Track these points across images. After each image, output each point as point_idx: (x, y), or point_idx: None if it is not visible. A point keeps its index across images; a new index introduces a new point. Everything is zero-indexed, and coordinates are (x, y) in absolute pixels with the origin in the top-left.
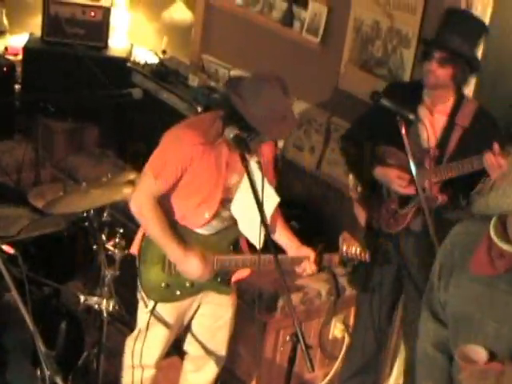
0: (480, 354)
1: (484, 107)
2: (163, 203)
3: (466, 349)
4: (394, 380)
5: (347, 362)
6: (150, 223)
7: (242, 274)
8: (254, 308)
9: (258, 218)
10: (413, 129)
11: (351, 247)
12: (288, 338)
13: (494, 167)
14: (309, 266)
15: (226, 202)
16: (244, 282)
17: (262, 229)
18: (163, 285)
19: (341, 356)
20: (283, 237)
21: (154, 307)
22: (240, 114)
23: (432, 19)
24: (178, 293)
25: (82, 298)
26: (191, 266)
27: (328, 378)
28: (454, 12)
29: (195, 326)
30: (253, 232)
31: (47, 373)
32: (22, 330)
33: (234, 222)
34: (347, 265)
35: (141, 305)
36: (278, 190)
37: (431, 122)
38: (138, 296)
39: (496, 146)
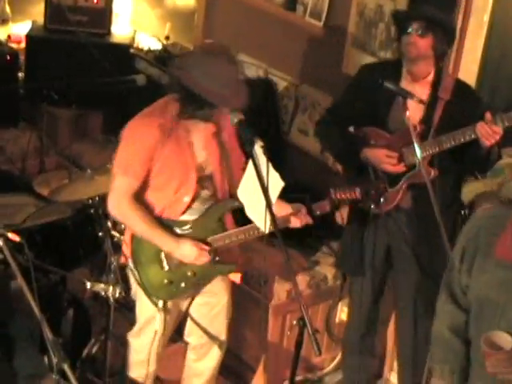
0: (506, 340)
1: (460, 79)
2: (141, 201)
3: (492, 335)
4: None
5: (343, 342)
6: (133, 221)
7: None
8: (260, 293)
9: (263, 203)
10: (395, 105)
11: (339, 189)
12: (295, 322)
13: (488, 135)
14: (304, 218)
15: (201, 180)
16: (250, 266)
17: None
18: (166, 282)
19: None
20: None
21: (164, 305)
22: (194, 92)
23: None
24: (183, 285)
25: (89, 285)
26: (186, 249)
27: (335, 361)
28: None
29: (193, 316)
30: (259, 216)
31: (54, 360)
32: (29, 317)
33: (214, 201)
34: (339, 208)
35: (139, 303)
36: (282, 175)
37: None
38: (133, 294)
39: (488, 115)
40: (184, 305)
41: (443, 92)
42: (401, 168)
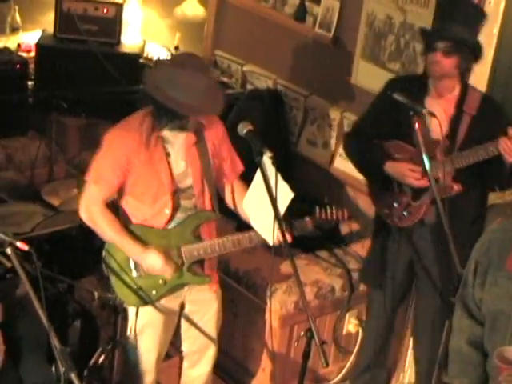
0: None
1: (488, 94)
2: (123, 210)
3: (504, 350)
4: (407, 377)
5: (359, 357)
6: (101, 227)
7: (213, 264)
8: (267, 303)
9: (271, 214)
10: (422, 121)
11: (324, 208)
12: (302, 333)
13: (510, 151)
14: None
15: (180, 192)
16: (257, 277)
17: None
18: (135, 288)
19: (355, 351)
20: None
21: (136, 312)
22: (166, 106)
23: None
24: (154, 292)
25: (97, 294)
26: (152, 259)
27: (342, 372)
28: (450, 0)
29: (183, 324)
30: (266, 228)
31: (62, 369)
32: (37, 326)
33: (194, 211)
34: (323, 227)
35: (129, 312)
36: (291, 185)
37: (439, 113)
38: (125, 306)
39: (510, 130)
40: (175, 314)
41: (468, 107)
42: (424, 182)
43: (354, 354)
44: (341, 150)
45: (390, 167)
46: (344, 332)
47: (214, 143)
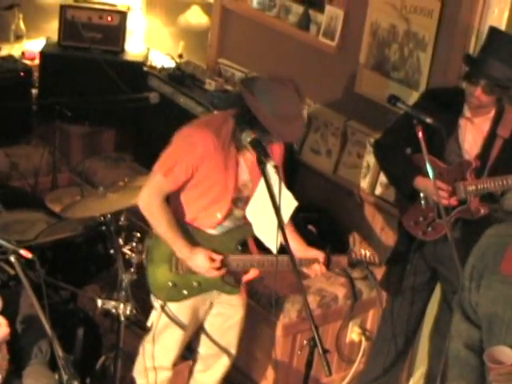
0: (508, 355)
1: None
2: (174, 205)
3: (494, 350)
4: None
5: (369, 367)
6: (157, 220)
7: (251, 275)
8: (271, 312)
9: (275, 222)
10: (454, 139)
11: (361, 249)
12: (305, 342)
13: None
14: (318, 268)
15: (237, 201)
16: (261, 285)
17: (279, 233)
18: (170, 284)
19: (358, 360)
20: (291, 239)
21: (163, 306)
22: (252, 113)
23: (448, 23)
24: (185, 292)
25: (100, 302)
26: (198, 261)
27: (345, 381)
28: (497, 34)
29: (206, 326)
30: (269, 236)
31: (65, 377)
32: (40, 333)
33: (244, 222)
34: (355, 267)
35: (154, 307)
36: (295, 194)
37: (472, 133)
38: (152, 299)
39: None
40: (201, 315)
41: (502, 129)
42: (453, 201)
43: (356, 363)
44: (344, 159)
45: (420, 182)
46: (347, 341)
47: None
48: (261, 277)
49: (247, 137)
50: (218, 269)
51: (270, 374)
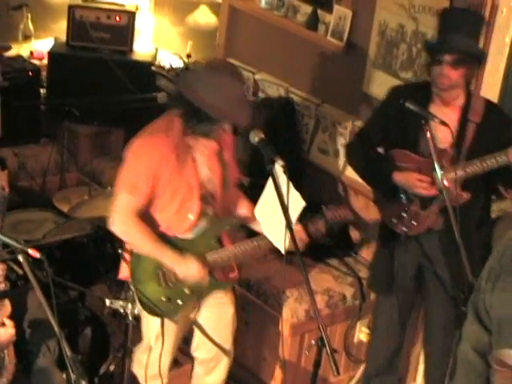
0: None
1: (492, 101)
2: (146, 219)
3: (500, 353)
4: None
5: (367, 364)
6: (139, 240)
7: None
8: (279, 311)
9: (283, 222)
10: (426, 128)
11: (331, 208)
12: (313, 341)
13: None
14: (298, 238)
15: (205, 197)
16: (268, 285)
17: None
18: (164, 299)
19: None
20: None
21: (162, 322)
22: (197, 108)
23: None
24: (181, 302)
25: (108, 302)
26: (192, 268)
27: (353, 381)
28: (452, 11)
29: (200, 330)
30: (277, 236)
31: (73, 376)
32: (48, 333)
33: (217, 217)
34: (334, 227)
35: (144, 320)
36: (303, 194)
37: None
38: (139, 311)
39: None
40: (191, 315)
41: (473, 115)
42: (433, 191)
43: (364, 363)
44: None
45: (398, 177)
46: (355, 341)
47: (229, 151)
48: (268, 277)
49: (255, 136)
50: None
51: (278, 373)
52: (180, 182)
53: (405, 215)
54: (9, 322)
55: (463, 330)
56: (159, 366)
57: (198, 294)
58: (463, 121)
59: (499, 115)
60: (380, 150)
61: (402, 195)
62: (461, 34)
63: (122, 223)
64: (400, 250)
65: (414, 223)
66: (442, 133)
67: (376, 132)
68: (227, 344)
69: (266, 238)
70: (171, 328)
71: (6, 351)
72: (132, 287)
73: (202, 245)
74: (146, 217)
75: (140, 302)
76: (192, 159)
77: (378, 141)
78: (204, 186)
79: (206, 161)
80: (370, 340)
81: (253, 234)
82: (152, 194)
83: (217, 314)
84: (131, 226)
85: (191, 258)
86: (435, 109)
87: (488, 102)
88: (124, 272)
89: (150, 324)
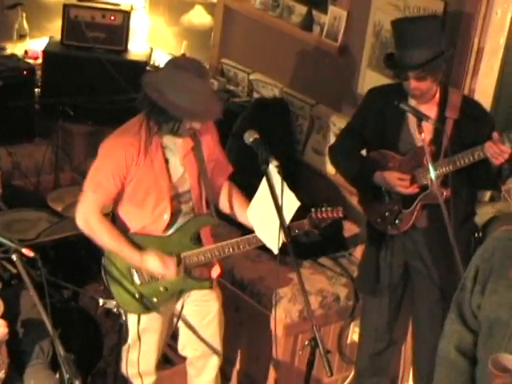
0: None
1: (468, 96)
2: (120, 220)
3: (500, 357)
4: None
5: (356, 365)
6: (100, 235)
7: (216, 271)
8: (272, 312)
9: (276, 222)
10: (405, 127)
11: (320, 208)
12: (307, 342)
13: (497, 155)
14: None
15: (178, 197)
16: (262, 285)
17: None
18: (137, 296)
19: None
20: (239, 205)
21: (138, 320)
22: (161, 107)
23: (452, 23)
24: (155, 300)
25: (101, 302)
26: (152, 262)
27: (346, 382)
28: (399, 24)
29: (184, 328)
30: (270, 236)
31: (66, 376)
32: (41, 332)
33: (194, 215)
34: (320, 226)
35: (129, 317)
36: (297, 194)
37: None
38: (122, 313)
39: (495, 134)
40: (175, 317)
41: (450, 111)
42: (414, 189)
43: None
44: None
45: (379, 177)
46: (348, 341)
47: (209, 147)
48: (262, 277)
49: (249, 137)
50: (175, 268)
51: (271, 374)
52: (150, 183)
53: (388, 214)
54: (1, 322)
55: (445, 327)
56: (138, 364)
57: (174, 291)
58: (440, 117)
59: (476, 110)
60: (363, 152)
61: (384, 195)
62: (417, 47)
63: (83, 219)
64: (386, 249)
65: (398, 222)
66: (418, 131)
67: (357, 133)
68: (214, 341)
69: (246, 236)
70: (154, 325)
71: None
72: (107, 284)
73: (177, 241)
74: (121, 217)
75: (116, 301)
76: (164, 160)
77: (358, 142)
78: (177, 186)
79: (181, 160)
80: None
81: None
82: (118, 192)
83: (201, 311)
84: (93, 222)
85: (151, 252)
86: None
87: (464, 98)
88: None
89: (130, 322)
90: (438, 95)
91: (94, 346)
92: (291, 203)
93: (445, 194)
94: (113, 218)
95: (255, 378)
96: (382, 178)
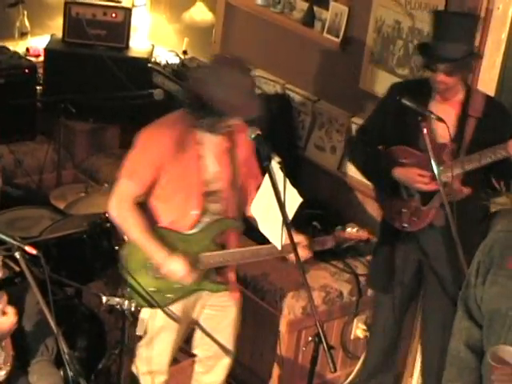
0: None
1: (491, 96)
2: (149, 212)
3: (498, 349)
4: (415, 381)
5: (365, 362)
6: (130, 225)
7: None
8: (276, 308)
9: (279, 219)
10: (427, 125)
11: (347, 227)
12: (310, 338)
13: None
14: (301, 252)
15: (209, 195)
16: (265, 281)
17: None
18: (152, 289)
19: (363, 356)
20: None
21: (152, 314)
22: (206, 102)
23: None
24: (170, 295)
25: (104, 299)
26: (175, 266)
27: (350, 377)
28: (444, 15)
29: (200, 329)
30: (273, 232)
31: (70, 373)
32: (45, 330)
33: (222, 216)
34: (343, 245)
35: (143, 313)
36: (299, 191)
37: (444, 117)
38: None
39: None
40: (194, 315)
41: (473, 110)
42: (433, 186)
43: (361, 360)
44: None
45: (399, 173)
46: (352, 337)
47: (244, 150)
48: (265, 273)
49: (251, 133)
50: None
51: (275, 370)
52: (184, 177)
53: (406, 211)
54: (11, 310)
55: (454, 327)
56: (158, 362)
57: (190, 291)
58: (463, 116)
59: (499, 109)
60: (380, 147)
61: (402, 191)
62: (453, 41)
63: (117, 207)
64: (401, 246)
65: (415, 219)
66: (441, 128)
67: (376, 128)
68: (228, 344)
69: (267, 245)
70: (172, 324)
71: (3, 343)
72: (125, 275)
73: (199, 241)
74: (150, 209)
75: (132, 291)
76: (199, 156)
77: (378, 137)
78: (209, 184)
79: (216, 158)
80: (367, 337)
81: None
82: (152, 182)
83: (218, 315)
84: (125, 210)
85: (178, 255)
86: (435, 105)
87: (488, 97)
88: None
89: (145, 318)
90: (461, 95)
91: (98, 343)
92: (294, 199)
93: (465, 191)
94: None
95: (259, 374)
96: (402, 174)
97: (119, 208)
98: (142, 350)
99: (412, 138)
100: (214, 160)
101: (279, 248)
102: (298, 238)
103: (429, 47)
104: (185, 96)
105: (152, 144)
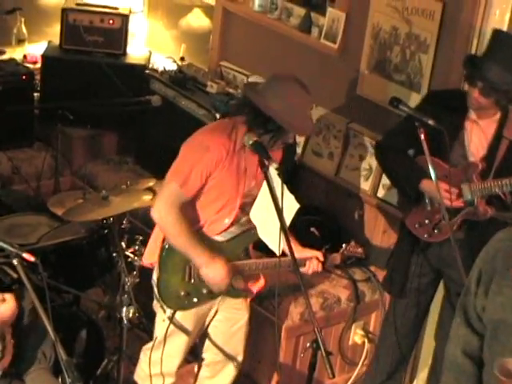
0: None
1: None
2: (186, 211)
3: (506, 362)
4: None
5: (373, 370)
6: (175, 231)
7: (259, 284)
8: (274, 314)
9: (278, 225)
10: (460, 137)
11: (349, 245)
12: (308, 344)
13: None
14: (316, 265)
15: (244, 207)
16: (263, 288)
17: (282, 235)
18: (183, 293)
19: (361, 362)
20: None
21: (173, 315)
22: (263, 115)
23: (450, 24)
24: (196, 300)
25: (103, 305)
26: (217, 270)
27: (348, 383)
28: (499, 36)
29: (211, 332)
30: (272, 238)
31: (68, 380)
32: (43, 337)
33: (249, 227)
34: (347, 262)
35: (159, 314)
36: (297, 197)
37: (477, 135)
38: (155, 306)
39: None
40: (206, 321)
41: (508, 131)
42: (459, 204)
43: (359, 365)
44: (346, 161)
45: (427, 185)
46: (350, 343)
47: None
48: (264, 279)
49: (249, 139)
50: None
51: (273, 376)
52: (229, 186)
53: (428, 222)
54: (9, 296)
55: (451, 331)
56: (161, 364)
57: (215, 296)
58: (497, 136)
59: None
60: (410, 151)
61: (427, 202)
62: (502, 66)
63: (163, 211)
64: (419, 254)
65: (436, 231)
66: (474, 145)
67: (408, 135)
68: (237, 349)
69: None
70: (186, 325)
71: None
72: (154, 275)
73: (231, 251)
74: (187, 208)
75: (157, 288)
76: (245, 168)
77: (408, 143)
78: (247, 196)
79: (255, 172)
80: (365, 344)
81: None
82: (200, 190)
83: (231, 318)
84: (172, 215)
85: (221, 261)
86: (471, 120)
87: None
88: (150, 258)
89: (164, 318)
90: (498, 115)
91: (96, 349)
92: (291, 205)
93: (489, 212)
94: None
95: (257, 380)
96: (429, 187)
97: (167, 213)
98: (151, 352)
99: (443, 150)
100: (254, 173)
101: (278, 254)
102: (315, 253)
103: (476, 61)
104: (240, 108)
105: (207, 151)
